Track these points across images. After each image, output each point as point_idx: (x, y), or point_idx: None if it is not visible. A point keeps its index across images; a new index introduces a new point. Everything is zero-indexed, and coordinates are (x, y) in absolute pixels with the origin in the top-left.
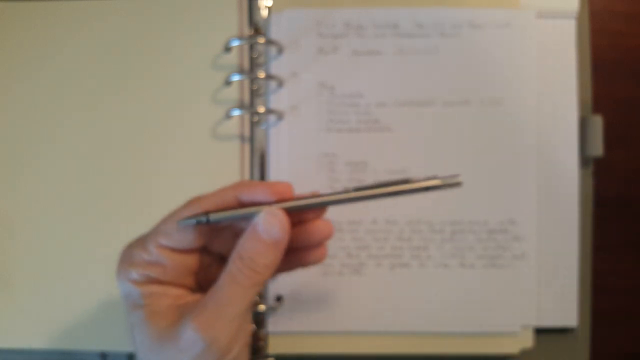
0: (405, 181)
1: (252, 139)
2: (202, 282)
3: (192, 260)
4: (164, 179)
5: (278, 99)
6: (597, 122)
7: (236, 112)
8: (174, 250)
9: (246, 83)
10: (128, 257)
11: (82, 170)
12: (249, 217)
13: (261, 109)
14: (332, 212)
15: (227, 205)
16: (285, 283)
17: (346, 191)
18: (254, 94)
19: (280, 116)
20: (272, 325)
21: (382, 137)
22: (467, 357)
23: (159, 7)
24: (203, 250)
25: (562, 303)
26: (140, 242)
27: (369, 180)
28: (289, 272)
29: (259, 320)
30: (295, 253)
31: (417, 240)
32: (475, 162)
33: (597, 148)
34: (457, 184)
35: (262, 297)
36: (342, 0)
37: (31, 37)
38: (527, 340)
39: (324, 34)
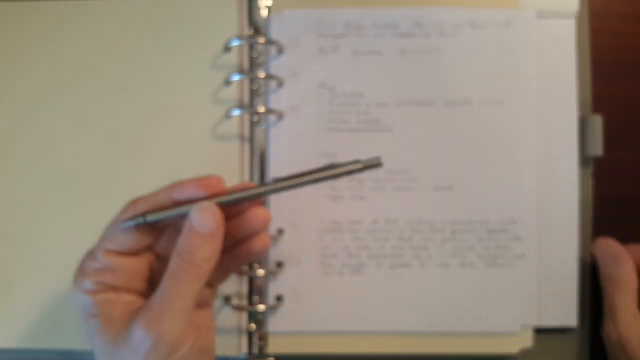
0: (330, 167)
1: (252, 139)
2: (155, 288)
3: (141, 264)
4: (164, 179)
5: (278, 99)
6: (597, 122)
7: (236, 112)
8: (121, 253)
9: (246, 83)
10: (80, 269)
11: (82, 170)
12: (186, 215)
13: (261, 109)
14: (332, 213)
15: (162, 206)
16: (285, 283)
17: (274, 182)
18: (254, 94)
19: (280, 116)
20: (272, 325)
21: (383, 137)
22: (467, 357)
23: (159, 7)
24: (152, 254)
25: (562, 303)
26: (89, 253)
27: (369, 180)
28: (238, 272)
29: (259, 320)
30: (241, 246)
31: (417, 240)
32: (475, 162)
33: (597, 148)
34: (378, 165)
35: (262, 297)
36: (342, 0)
37: (31, 37)
38: (527, 340)
39: (324, 34)
